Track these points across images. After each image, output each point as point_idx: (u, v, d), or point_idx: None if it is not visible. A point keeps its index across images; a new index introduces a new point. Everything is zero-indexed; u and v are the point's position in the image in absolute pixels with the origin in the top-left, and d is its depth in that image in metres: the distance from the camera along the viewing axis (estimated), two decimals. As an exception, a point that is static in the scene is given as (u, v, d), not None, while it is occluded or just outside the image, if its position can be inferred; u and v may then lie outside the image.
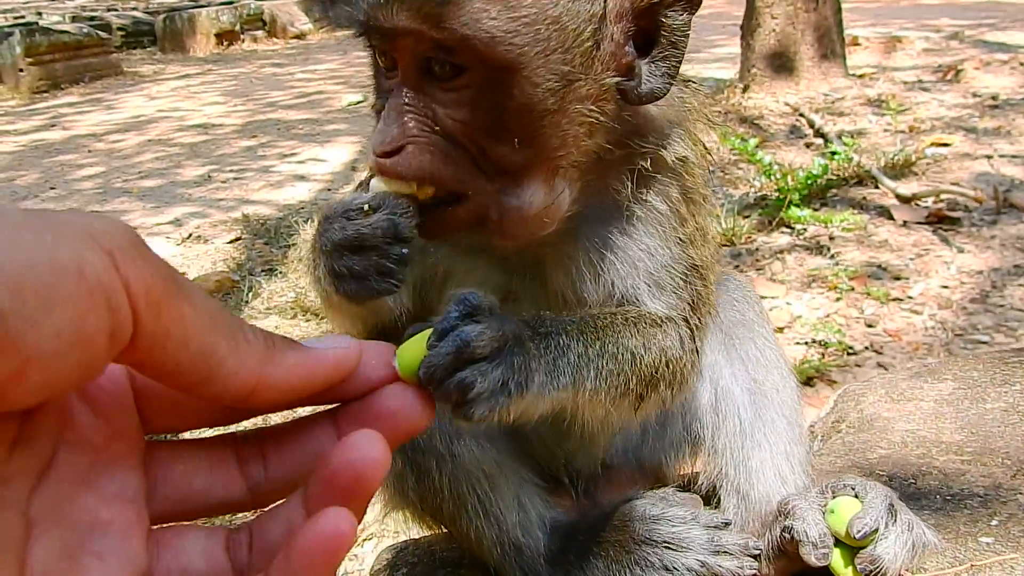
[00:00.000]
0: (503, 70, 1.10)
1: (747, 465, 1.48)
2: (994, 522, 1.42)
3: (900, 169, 6.34)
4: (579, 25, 1.13)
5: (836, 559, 1.32)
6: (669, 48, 1.18)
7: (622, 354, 1.23)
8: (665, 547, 1.38)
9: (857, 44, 11.30)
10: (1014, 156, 6.83)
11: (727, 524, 1.43)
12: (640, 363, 1.26)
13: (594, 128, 1.19)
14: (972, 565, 1.32)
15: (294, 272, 5.46)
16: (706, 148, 1.40)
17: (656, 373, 1.29)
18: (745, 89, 8.63)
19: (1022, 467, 1.57)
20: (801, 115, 7.77)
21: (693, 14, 1.16)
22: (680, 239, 1.34)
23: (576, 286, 1.34)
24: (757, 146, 5.96)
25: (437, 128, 1.14)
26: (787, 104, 8.20)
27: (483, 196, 1.18)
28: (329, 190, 7.46)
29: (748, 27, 8.83)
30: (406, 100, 1.14)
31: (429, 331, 0.95)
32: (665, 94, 1.20)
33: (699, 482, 1.54)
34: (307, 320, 4.86)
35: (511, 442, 1.46)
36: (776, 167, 5.81)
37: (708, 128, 1.42)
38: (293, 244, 5.98)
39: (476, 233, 1.24)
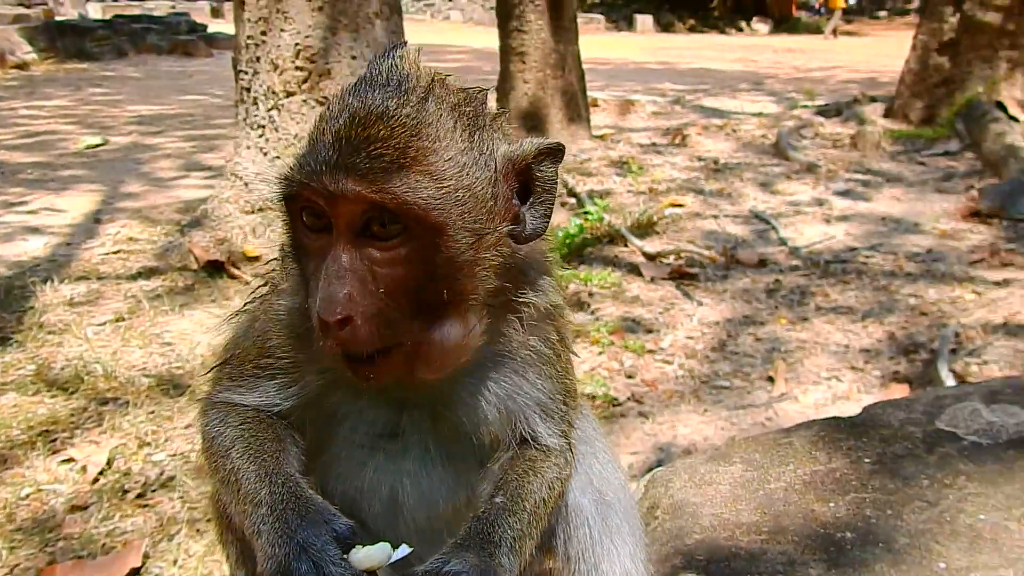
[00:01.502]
0: (434, 230, 1.30)
1: (599, 569, 1.66)
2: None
3: (644, 228, 6.96)
4: (483, 188, 1.35)
5: None
6: (543, 194, 1.43)
7: (539, 506, 1.51)
8: None
9: (596, 105, 12.27)
10: (735, 216, 7.74)
11: None
12: (548, 502, 1.55)
13: (495, 269, 1.40)
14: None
15: (34, 342, 4.94)
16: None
17: (556, 501, 1.58)
18: (501, 147, 9.05)
19: (808, 543, 1.83)
20: (554, 174, 8.27)
21: (558, 165, 1.43)
22: (558, 371, 1.59)
23: (481, 419, 1.54)
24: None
25: (377, 288, 1.29)
26: (541, 163, 8.70)
27: (413, 339, 1.34)
28: (69, 244, 6.83)
29: (503, 89, 9.32)
30: (345, 262, 1.29)
31: None
32: (544, 233, 1.45)
33: None
34: (52, 395, 4.40)
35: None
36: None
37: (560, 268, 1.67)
38: (31, 308, 5.41)
39: (404, 371, 1.39)
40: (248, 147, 6.73)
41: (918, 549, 1.79)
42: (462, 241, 1.32)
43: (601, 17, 39.19)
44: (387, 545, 1.33)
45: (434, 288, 1.33)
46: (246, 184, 6.63)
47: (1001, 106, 9.92)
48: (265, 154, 6.65)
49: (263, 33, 6.57)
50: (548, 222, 1.45)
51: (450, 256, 1.32)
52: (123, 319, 5.24)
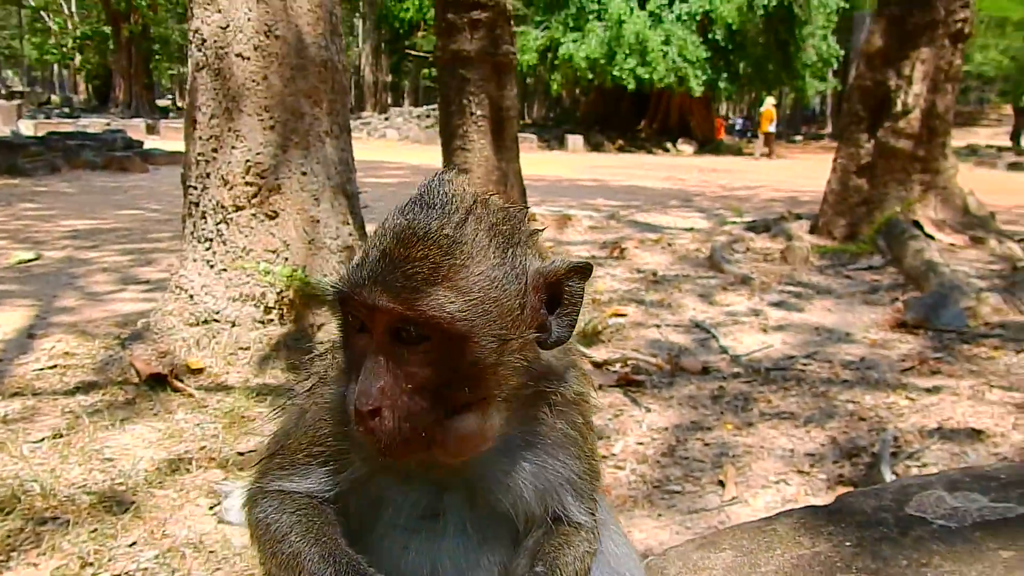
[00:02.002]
0: (460, 338, 1.43)
1: None
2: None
3: (590, 337, 7.11)
4: (511, 299, 1.48)
5: None
6: (570, 306, 1.56)
7: None
8: None
9: (535, 220, 12.62)
10: (677, 325, 7.96)
11: None
12: (580, 575, 1.65)
13: (519, 371, 1.52)
14: None
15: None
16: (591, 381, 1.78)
17: (587, 572, 1.68)
18: (446, 261, 9.23)
19: None
20: (500, 286, 8.45)
21: (586, 281, 1.55)
22: (585, 453, 1.70)
23: (516, 497, 1.64)
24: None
25: (407, 384, 1.43)
26: (485, 275, 8.87)
27: (435, 429, 1.47)
28: (1, 360, 6.62)
29: (446, 204, 9.55)
30: (380, 361, 1.44)
31: None
32: (567, 339, 1.57)
33: None
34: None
35: None
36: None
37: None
38: (-37, 425, 5.19)
39: (425, 454, 1.51)
40: (194, 260, 6.73)
41: (909, 624, 1.89)
42: (486, 347, 1.45)
43: (534, 136, 40.70)
44: None
45: (458, 386, 1.45)
46: (191, 296, 6.61)
47: (918, 225, 10.59)
48: (212, 267, 6.66)
49: (214, 150, 6.69)
50: (573, 330, 1.58)
51: (474, 359, 1.44)
52: (61, 435, 5.06)
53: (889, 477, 4.78)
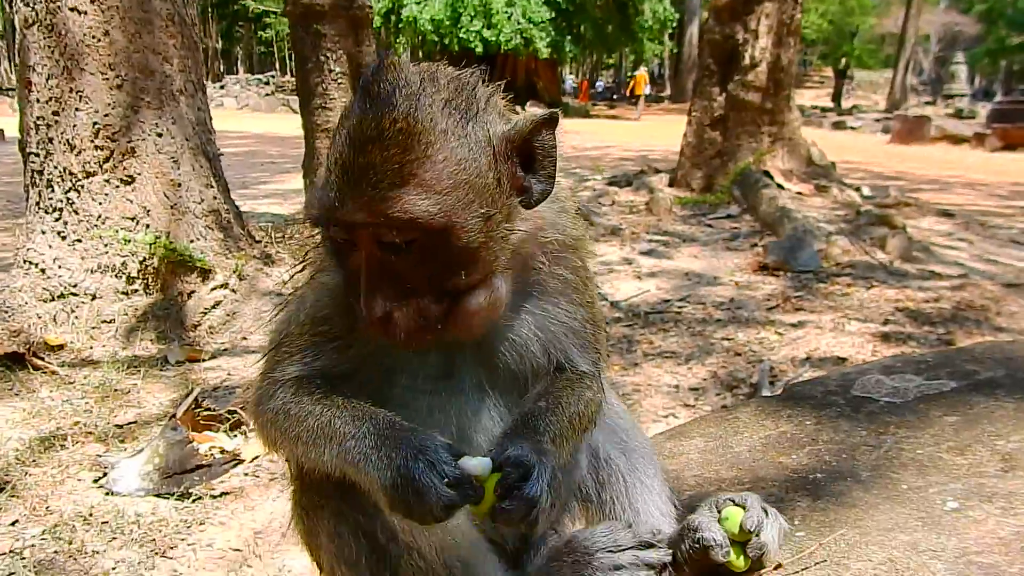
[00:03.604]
0: (443, 230, 1.39)
1: (635, 508, 1.83)
2: (796, 521, 1.97)
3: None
4: (483, 175, 1.43)
5: (732, 553, 1.71)
6: (545, 160, 1.51)
7: (575, 417, 1.62)
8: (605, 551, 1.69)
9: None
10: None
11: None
12: (584, 417, 1.66)
13: (510, 237, 1.50)
14: (819, 544, 1.84)
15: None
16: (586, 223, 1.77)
17: (590, 420, 1.70)
18: (314, 224, 8.95)
19: (787, 484, 2.16)
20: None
21: (555, 130, 1.50)
22: (586, 300, 1.70)
23: (522, 348, 1.65)
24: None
25: (407, 284, 1.42)
26: (356, 237, 8.69)
27: (448, 315, 1.47)
28: None
29: (309, 167, 9.26)
30: (375, 270, 1.42)
31: (491, 478, 1.39)
32: (551, 192, 1.54)
33: None
34: None
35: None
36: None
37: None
38: None
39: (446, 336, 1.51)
40: (43, 232, 6.19)
41: (880, 478, 2.13)
42: (472, 229, 1.42)
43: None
44: (489, 460, 1.42)
45: (457, 272, 1.44)
46: (43, 271, 6.08)
47: (768, 174, 11.14)
48: (64, 238, 6.14)
49: (55, 113, 6.13)
50: (554, 181, 1.53)
51: (463, 246, 1.42)
52: (-89, 425, 4.58)
53: (772, 405, 5.05)
